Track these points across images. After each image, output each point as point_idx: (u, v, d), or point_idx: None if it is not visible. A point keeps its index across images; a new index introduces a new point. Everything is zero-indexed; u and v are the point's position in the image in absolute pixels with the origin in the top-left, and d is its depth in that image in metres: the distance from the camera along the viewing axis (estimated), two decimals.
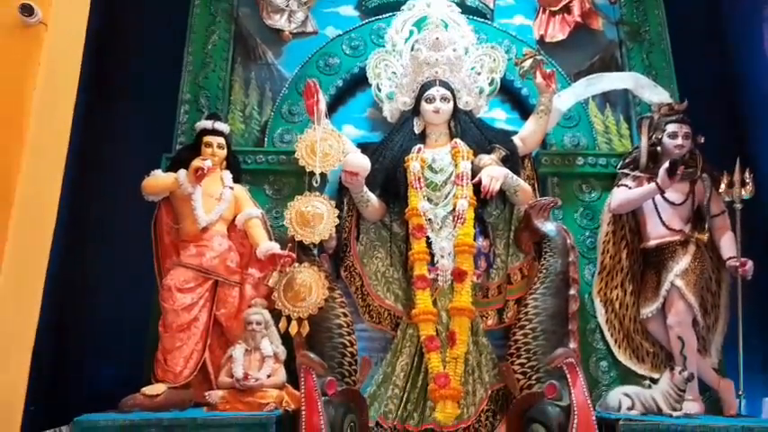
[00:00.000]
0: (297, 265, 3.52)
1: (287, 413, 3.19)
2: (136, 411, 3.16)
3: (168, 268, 3.58)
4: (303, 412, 3.07)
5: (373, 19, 4.41)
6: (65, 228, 3.82)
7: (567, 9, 4.36)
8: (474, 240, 3.63)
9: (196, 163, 3.55)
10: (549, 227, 3.72)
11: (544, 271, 3.64)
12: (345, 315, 3.58)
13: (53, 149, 3.14)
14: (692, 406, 3.33)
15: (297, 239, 3.55)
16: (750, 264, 3.48)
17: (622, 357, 3.66)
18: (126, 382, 3.42)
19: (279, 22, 4.45)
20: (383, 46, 4.23)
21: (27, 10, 2.98)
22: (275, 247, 3.53)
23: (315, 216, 3.56)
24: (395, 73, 4.12)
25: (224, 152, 3.76)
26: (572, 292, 3.52)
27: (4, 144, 2.78)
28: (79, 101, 3.51)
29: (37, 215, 2.87)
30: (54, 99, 3.17)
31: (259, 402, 3.17)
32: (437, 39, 3.93)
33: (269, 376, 3.29)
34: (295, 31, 4.47)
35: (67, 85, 3.38)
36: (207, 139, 3.73)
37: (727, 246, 3.58)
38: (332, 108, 4.28)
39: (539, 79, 3.84)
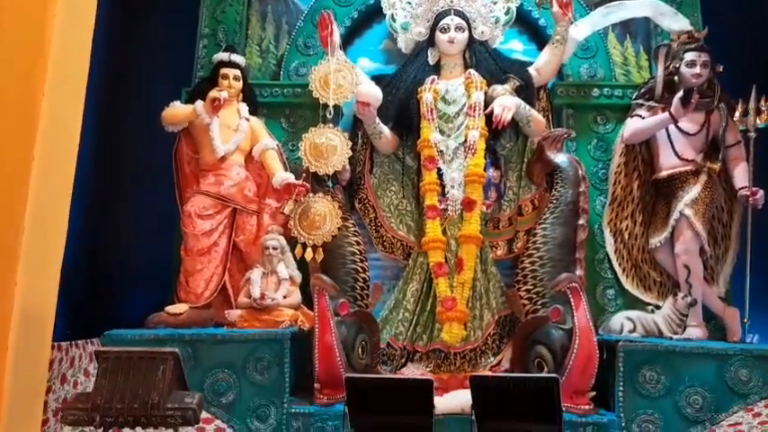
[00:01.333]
0: (312, 195, 3.64)
1: (301, 331, 3.37)
2: (160, 328, 3.39)
3: (189, 196, 3.74)
4: (316, 330, 3.24)
5: None
6: (92, 159, 4.00)
7: None
8: (484, 171, 3.68)
9: (213, 94, 3.65)
10: (561, 158, 3.74)
11: (554, 201, 3.69)
12: (358, 243, 3.72)
13: (74, 81, 3.23)
14: (695, 331, 3.40)
15: (311, 171, 3.66)
16: (761, 193, 3.46)
17: (629, 286, 3.73)
18: (153, 305, 3.64)
19: None
20: None
21: None
22: (290, 177, 3.65)
23: (328, 148, 3.65)
24: (410, 2, 4.08)
25: (240, 84, 3.84)
26: (581, 221, 3.58)
27: (26, 72, 2.88)
28: (99, 40, 3.60)
29: (61, 143, 2.99)
30: (73, 35, 3.24)
31: (275, 320, 3.36)
32: None
33: (285, 297, 3.47)
34: None
35: (86, 19, 3.45)
36: (223, 71, 3.81)
37: (740, 176, 3.56)
38: (347, 41, 4.29)
39: (555, 8, 3.77)
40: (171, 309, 3.48)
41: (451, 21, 3.83)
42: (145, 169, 4.27)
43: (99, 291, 4.13)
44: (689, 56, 3.60)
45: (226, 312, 3.48)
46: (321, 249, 3.58)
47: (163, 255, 3.90)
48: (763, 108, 3.36)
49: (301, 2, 4.40)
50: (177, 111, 3.71)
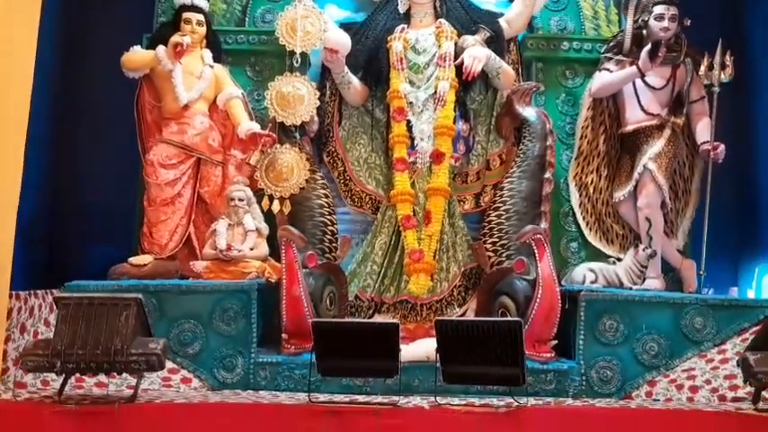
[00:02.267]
0: (278, 146, 3.57)
1: (269, 283, 3.36)
2: (124, 279, 3.33)
3: (151, 145, 3.64)
4: (284, 281, 3.23)
5: None
6: (49, 108, 3.86)
7: None
8: (454, 123, 3.66)
9: (175, 39, 3.52)
10: (529, 112, 3.75)
11: (521, 155, 3.71)
12: (326, 196, 3.70)
13: (25, 23, 3.06)
14: (654, 283, 3.51)
15: (278, 121, 3.58)
16: (722, 147, 3.54)
17: (592, 239, 3.80)
18: (116, 257, 3.57)
19: None
20: None
21: None
22: (256, 127, 3.58)
23: (295, 97, 3.57)
24: None
25: (203, 29, 3.71)
26: (547, 175, 3.62)
27: None
28: None
29: (12, 89, 2.84)
30: None
31: (242, 271, 3.34)
32: None
33: (251, 249, 3.44)
34: None
35: None
36: (186, 15, 3.67)
37: (703, 130, 3.62)
38: None
39: None
40: (135, 260, 3.42)
41: None
42: (105, 117, 4.16)
43: (60, 242, 4.05)
44: (657, 9, 3.61)
45: (191, 263, 3.44)
46: (288, 201, 3.54)
47: (126, 205, 3.82)
48: (727, 63, 3.39)
49: None
50: (137, 55, 3.57)
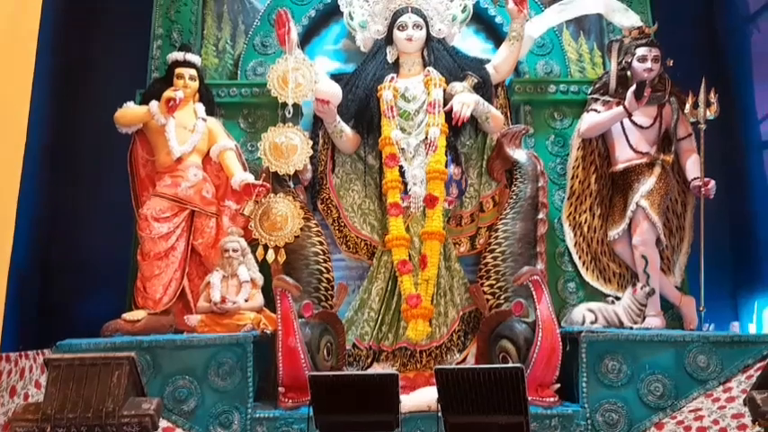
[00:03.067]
0: (272, 195, 3.58)
1: (264, 335, 3.31)
2: (117, 336, 3.27)
3: (145, 199, 3.64)
4: (279, 333, 3.18)
5: None
6: (42, 164, 3.88)
7: None
8: (445, 168, 3.68)
9: (168, 94, 3.56)
10: (520, 154, 3.78)
11: (514, 197, 3.73)
12: (321, 243, 3.68)
13: (16, 85, 3.11)
14: (654, 321, 3.47)
15: (271, 170, 3.60)
16: (712, 183, 3.56)
17: (590, 278, 3.79)
18: (109, 313, 3.53)
19: None
20: None
21: None
22: (249, 177, 3.59)
23: (289, 147, 3.60)
24: (367, 1, 4.07)
25: (196, 84, 3.76)
26: (540, 215, 3.63)
27: None
28: (50, 40, 3.50)
29: (5, 147, 2.86)
30: (17, 35, 3.13)
31: (237, 324, 3.29)
32: None
33: (246, 300, 3.40)
34: None
35: (30, 20, 3.33)
36: (179, 70, 3.73)
37: (692, 167, 3.66)
38: (305, 41, 4.25)
39: (510, 5, 3.81)
40: (128, 316, 3.37)
41: (409, 18, 3.84)
42: (99, 173, 4.17)
43: (52, 300, 3.99)
44: (640, 51, 3.70)
45: (185, 318, 3.39)
46: (283, 251, 3.52)
47: (119, 260, 3.79)
48: (712, 100, 3.45)
49: (257, 1, 4.34)
50: (130, 112, 3.61)
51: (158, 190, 3.56)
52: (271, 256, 3.49)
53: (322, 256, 3.64)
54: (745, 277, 4.20)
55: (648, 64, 3.68)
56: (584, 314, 3.46)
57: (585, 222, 3.84)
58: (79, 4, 4.37)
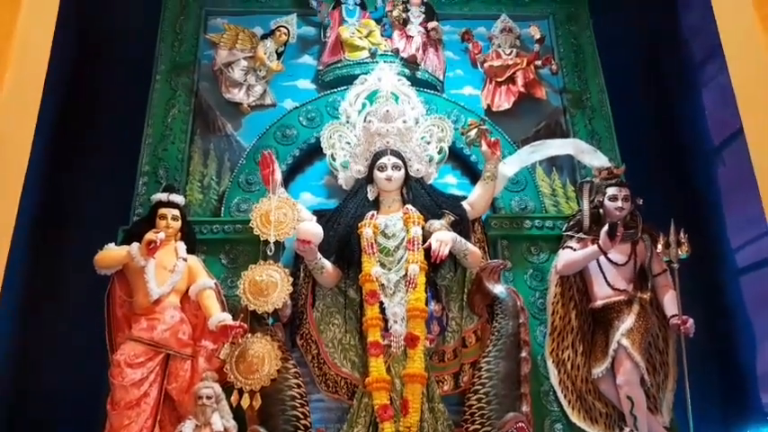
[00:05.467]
0: (250, 335, 3.53)
1: None
2: None
3: (120, 342, 3.55)
4: None
5: (329, 92, 4.61)
6: (17, 299, 3.83)
7: (511, 80, 4.60)
8: (426, 305, 3.68)
9: (149, 236, 3.59)
10: (499, 289, 3.80)
11: (496, 333, 3.70)
12: (299, 386, 3.58)
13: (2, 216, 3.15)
14: None
15: (250, 309, 3.57)
16: (691, 321, 3.57)
17: (576, 419, 3.67)
18: None
19: (238, 95, 4.60)
20: (338, 118, 4.39)
21: None
22: (227, 319, 3.54)
23: (269, 285, 3.60)
24: (349, 143, 4.27)
25: (178, 224, 3.81)
26: (523, 354, 3.59)
27: None
28: (33, 172, 3.58)
29: None
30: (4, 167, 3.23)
31: None
32: (387, 111, 4.12)
33: None
34: (254, 103, 4.61)
35: (19, 154, 3.45)
36: (162, 211, 3.78)
37: (670, 304, 3.69)
38: (290, 176, 4.40)
39: (484, 147, 4.00)
40: None
41: (388, 160, 4.00)
42: (75, 313, 4.10)
43: None
44: (610, 191, 3.85)
45: None
46: (258, 395, 3.41)
47: (88, 409, 3.61)
48: (682, 240, 3.54)
49: (244, 139, 4.52)
50: (110, 254, 3.61)
51: (134, 334, 3.49)
52: (246, 401, 3.37)
53: (299, 400, 3.52)
54: (735, 409, 4.11)
55: (619, 203, 3.82)
56: None
57: (569, 359, 3.79)
58: (68, 140, 4.54)
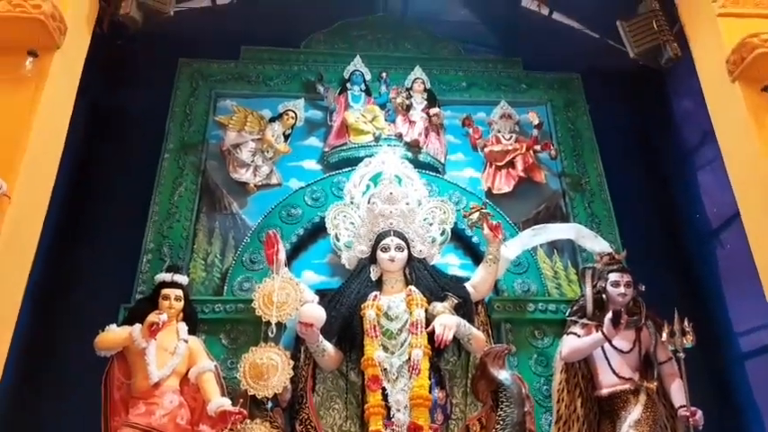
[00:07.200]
0: (248, 421, 3.44)
1: None
2: None
3: (116, 427, 3.45)
4: None
5: (334, 173, 4.71)
6: (14, 378, 3.75)
7: (511, 164, 4.72)
8: (430, 392, 3.61)
9: (151, 318, 3.56)
10: (504, 375, 3.72)
11: (501, 422, 3.59)
12: None
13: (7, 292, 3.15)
14: None
15: (250, 394, 3.50)
16: (700, 413, 3.51)
17: None
18: None
19: (245, 175, 4.69)
20: (342, 198, 4.47)
21: None
22: (226, 404, 3.47)
23: (269, 368, 3.55)
24: (353, 224, 4.32)
25: (181, 304, 3.79)
26: None
27: None
28: (42, 246, 3.61)
29: None
30: (16, 245, 3.26)
31: None
32: (391, 193, 4.19)
33: None
34: (260, 183, 4.70)
35: (29, 233, 3.49)
36: (165, 291, 3.77)
37: (677, 394, 3.63)
38: (293, 254, 4.42)
39: (486, 231, 4.05)
40: None
41: (391, 241, 4.03)
42: (71, 393, 4.00)
43: None
44: (612, 276, 3.87)
45: None
46: None
47: None
48: (687, 329, 3.53)
49: (249, 218, 4.58)
50: (111, 336, 3.57)
51: (131, 419, 3.40)
52: None
53: None
54: None
55: (622, 289, 3.82)
56: None
57: None
58: (75, 215, 4.57)
